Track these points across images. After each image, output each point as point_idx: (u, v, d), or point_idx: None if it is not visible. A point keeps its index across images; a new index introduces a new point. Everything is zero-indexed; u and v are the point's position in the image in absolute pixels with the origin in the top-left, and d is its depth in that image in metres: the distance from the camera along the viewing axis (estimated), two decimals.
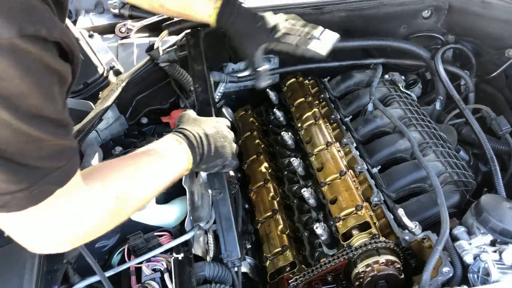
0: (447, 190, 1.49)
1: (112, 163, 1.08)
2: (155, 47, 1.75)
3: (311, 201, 1.57)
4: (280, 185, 1.79)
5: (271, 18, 1.53)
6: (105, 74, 1.84)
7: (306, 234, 1.59)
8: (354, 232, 1.39)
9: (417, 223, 1.33)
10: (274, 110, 1.98)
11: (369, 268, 1.27)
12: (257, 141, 1.93)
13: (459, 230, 1.31)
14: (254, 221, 1.67)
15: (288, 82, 2.13)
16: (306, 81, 2.08)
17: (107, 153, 1.69)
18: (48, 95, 0.76)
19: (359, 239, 1.36)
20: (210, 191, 1.45)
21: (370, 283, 1.28)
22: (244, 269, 1.47)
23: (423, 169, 1.48)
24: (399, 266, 1.29)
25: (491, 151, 1.61)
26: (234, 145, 1.41)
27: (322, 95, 1.97)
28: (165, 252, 1.43)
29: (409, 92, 1.95)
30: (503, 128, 1.75)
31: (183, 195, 1.56)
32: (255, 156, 1.87)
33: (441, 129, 1.79)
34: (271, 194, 1.70)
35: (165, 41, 1.78)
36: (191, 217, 1.49)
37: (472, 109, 1.91)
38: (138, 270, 1.40)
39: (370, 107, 1.82)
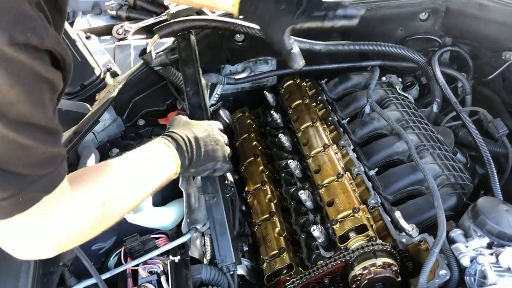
0: (444, 192, 1.49)
1: (98, 167, 1.07)
2: (147, 51, 1.74)
3: (308, 204, 1.57)
4: (278, 187, 1.79)
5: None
6: (102, 76, 1.84)
7: (303, 236, 1.58)
8: (351, 234, 1.39)
9: (414, 225, 1.33)
10: (272, 112, 1.98)
11: (366, 271, 1.27)
12: (254, 143, 1.93)
13: (456, 233, 1.31)
14: (251, 223, 1.67)
15: (286, 84, 2.13)
16: (304, 83, 2.08)
17: (104, 155, 1.69)
18: (38, 103, 0.75)
19: (356, 241, 1.36)
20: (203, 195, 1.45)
21: (367, 286, 1.28)
22: (241, 271, 1.47)
23: (420, 172, 1.49)
24: (396, 268, 1.29)
25: (488, 153, 1.61)
26: (227, 149, 1.39)
27: (319, 97, 1.97)
28: (162, 254, 1.43)
29: (406, 94, 1.95)
30: (500, 131, 1.76)
31: (180, 197, 1.55)
32: (252, 158, 1.86)
33: (438, 131, 1.80)
34: (268, 196, 1.70)
35: (162, 43, 1.78)
36: (187, 220, 1.49)
37: (469, 111, 1.92)
38: (135, 273, 1.40)
39: (367, 109, 1.82)
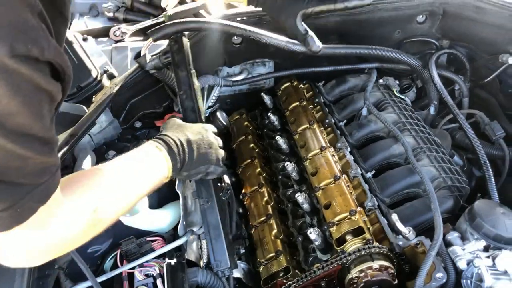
0: (441, 195, 1.49)
1: (89, 173, 1.06)
2: (141, 54, 1.74)
3: (305, 206, 1.57)
4: (275, 190, 1.79)
5: None
6: (98, 78, 1.84)
7: (300, 239, 1.58)
8: (348, 237, 1.39)
9: (410, 228, 1.33)
10: (269, 114, 1.98)
11: (363, 274, 1.27)
12: (251, 145, 1.93)
13: (453, 236, 1.30)
14: (248, 226, 1.67)
15: (283, 86, 2.13)
16: (301, 85, 2.08)
17: (100, 157, 1.68)
18: (37, 114, 0.75)
19: (352, 244, 1.35)
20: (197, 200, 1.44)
21: None
22: (237, 274, 1.47)
23: (417, 174, 1.49)
24: (392, 271, 1.29)
25: (485, 156, 1.61)
26: (221, 152, 1.39)
27: (316, 99, 1.97)
28: (158, 257, 1.42)
29: (403, 97, 1.95)
30: (496, 133, 1.76)
31: (176, 199, 1.55)
32: (249, 160, 1.86)
33: (435, 134, 1.80)
34: (265, 198, 1.69)
35: (158, 46, 1.77)
36: (184, 222, 1.49)
37: (466, 114, 1.92)
38: (131, 276, 1.39)
39: (364, 111, 1.82)
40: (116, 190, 1.07)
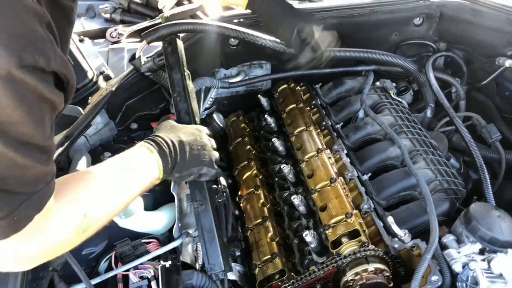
0: (437, 198, 1.49)
1: (79, 176, 1.06)
2: (136, 56, 1.73)
3: (301, 208, 1.56)
4: (271, 192, 1.78)
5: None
6: (94, 79, 1.84)
7: (296, 241, 1.57)
8: (344, 240, 1.38)
9: (406, 231, 1.33)
10: (266, 116, 1.97)
11: (358, 277, 1.26)
12: (248, 147, 1.92)
13: (448, 239, 1.30)
14: (244, 228, 1.66)
15: (280, 88, 2.12)
16: (298, 87, 2.08)
17: (96, 159, 1.68)
18: (39, 123, 0.77)
19: (348, 247, 1.35)
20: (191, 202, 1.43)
21: None
22: (233, 276, 1.46)
23: (413, 177, 1.48)
24: (388, 274, 1.28)
25: (481, 159, 1.61)
26: (214, 153, 1.38)
27: (313, 102, 1.96)
28: (153, 259, 1.42)
29: (400, 99, 1.95)
30: (493, 136, 1.76)
31: (172, 201, 1.54)
32: (246, 162, 1.86)
33: (432, 136, 1.79)
34: (261, 200, 1.69)
35: (154, 47, 1.77)
36: (179, 224, 1.48)
37: (462, 116, 1.92)
38: (126, 278, 1.39)
39: (361, 114, 1.82)
40: (107, 192, 1.07)
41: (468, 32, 2.00)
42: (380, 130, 1.75)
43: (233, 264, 1.49)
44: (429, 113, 1.98)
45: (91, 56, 1.89)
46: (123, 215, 1.44)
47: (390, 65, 1.97)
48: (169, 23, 1.70)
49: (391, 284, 1.29)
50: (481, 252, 1.24)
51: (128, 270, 1.38)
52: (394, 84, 2.02)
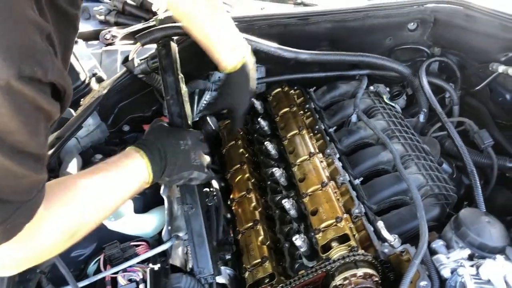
0: (428, 203, 1.49)
1: (67, 182, 1.05)
2: (129, 58, 1.73)
3: (292, 212, 1.55)
4: (263, 195, 1.78)
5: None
6: (87, 81, 1.83)
7: (286, 245, 1.56)
8: (334, 244, 1.38)
9: (396, 236, 1.32)
10: (259, 119, 1.97)
11: (347, 281, 1.26)
12: (241, 150, 1.92)
13: (438, 244, 1.29)
14: (235, 231, 1.65)
15: (274, 92, 2.12)
16: (292, 91, 2.08)
17: (87, 161, 1.67)
18: (34, 132, 0.78)
19: (338, 251, 1.34)
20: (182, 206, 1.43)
21: None
22: (222, 280, 1.45)
23: (405, 182, 1.48)
24: (377, 279, 1.27)
25: (472, 164, 1.60)
26: (206, 158, 1.38)
27: (307, 105, 1.96)
28: (143, 262, 1.41)
29: (393, 104, 1.95)
30: (485, 142, 1.75)
31: (162, 204, 1.54)
32: (238, 165, 1.85)
33: (425, 141, 1.79)
34: (253, 204, 1.68)
35: (148, 49, 1.77)
36: (169, 227, 1.47)
37: (456, 122, 1.92)
38: (114, 280, 1.38)
39: (354, 118, 1.82)
40: (95, 198, 1.07)
41: (462, 38, 2.00)
42: (372, 135, 1.74)
43: (223, 268, 1.49)
44: (422, 118, 1.98)
45: (84, 58, 1.88)
46: (113, 218, 1.44)
47: (384, 69, 1.97)
48: (164, 25, 1.70)
49: None
50: (470, 257, 1.24)
51: (116, 272, 1.37)
52: (387, 89, 2.02)
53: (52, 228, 0.95)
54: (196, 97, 1.98)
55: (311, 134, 1.81)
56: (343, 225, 1.40)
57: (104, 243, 1.45)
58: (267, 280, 1.45)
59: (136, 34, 1.95)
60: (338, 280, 1.26)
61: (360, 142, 1.77)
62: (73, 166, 1.57)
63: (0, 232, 0.78)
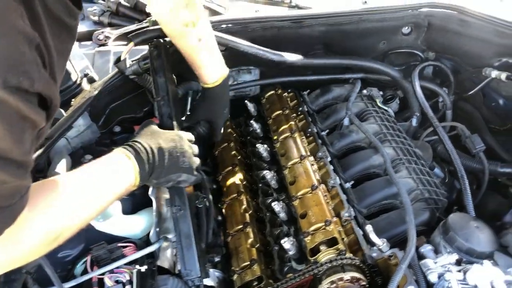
0: (417, 207, 1.48)
1: (52, 184, 1.04)
2: (121, 58, 1.72)
3: (282, 215, 1.55)
4: (255, 198, 1.77)
5: None
6: (78, 81, 1.82)
7: (276, 248, 1.56)
8: (322, 247, 1.37)
9: (385, 240, 1.32)
10: (251, 121, 1.96)
11: (334, 285, 1.25)
12: (233, 152, 1.91)
13: (426, 249, 1.29)
14: (225, 234, 1.65)
15: (267, 94, 2.12)
16: (285, 94, 2.07)
17: (77, 161, 1.66)
18: (18, 140, 0.78)
19: (326, 255, 1.34)
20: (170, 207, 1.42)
21: None
22: (211, 282, 1.44)
23: (395, 186, 1.47)
24: (364, 283, 1.27)
25: (462, 168, 1.60)
26: (195, 160, 1.37)
27: (300, 108, 1.96)
28: (130, 263, 1.40)
29: (386, 108, 1.95)
30: (476, 147, 1.75)
31: (151, 205, 1.53)
32: (230, 167, 1.84)
33: (417, 145, 1.79)
34: (244, 206, 1.67)
35: (141, 50, 1.76)
36: (157, 229, 1.46)
37: (448, 126, 1.91)
38: (101, 282, 1.37)
39: (346, 121, 1.82)
40: (79, 201, 1.06)
41: (456, 42, 2.00)
42: (364, 138, 1.74)
43: (212, 270, 1.48)
44: (414, 122, 1.98)
45: (76, 58, 1.87)
46: (101, 218, 1.42)
47: (375, 72, 1.97)
48: (157, 26, 1.70)
49: None
50: (458, 262, 1.23)
51: (103, 273, 1.36)
52: (381, 93, 2.02)
53: (36, 230, 0.94)
54: (189, 99, 1.97)
55: (303, 137, 1.81)
56: (332, 228, 1.40)
57: (92, 244, 1.44)
58: (255, 283, 1.45)
59: (129, 34, 1.95)
60: (325, 284, 1.26)
61: (352, 146, 1.76)
62: (62, 166, 1.56)
63: None
